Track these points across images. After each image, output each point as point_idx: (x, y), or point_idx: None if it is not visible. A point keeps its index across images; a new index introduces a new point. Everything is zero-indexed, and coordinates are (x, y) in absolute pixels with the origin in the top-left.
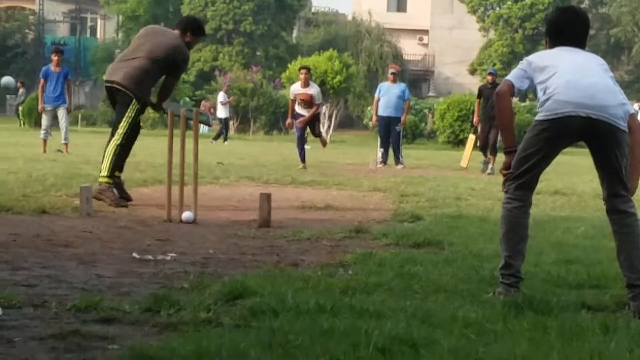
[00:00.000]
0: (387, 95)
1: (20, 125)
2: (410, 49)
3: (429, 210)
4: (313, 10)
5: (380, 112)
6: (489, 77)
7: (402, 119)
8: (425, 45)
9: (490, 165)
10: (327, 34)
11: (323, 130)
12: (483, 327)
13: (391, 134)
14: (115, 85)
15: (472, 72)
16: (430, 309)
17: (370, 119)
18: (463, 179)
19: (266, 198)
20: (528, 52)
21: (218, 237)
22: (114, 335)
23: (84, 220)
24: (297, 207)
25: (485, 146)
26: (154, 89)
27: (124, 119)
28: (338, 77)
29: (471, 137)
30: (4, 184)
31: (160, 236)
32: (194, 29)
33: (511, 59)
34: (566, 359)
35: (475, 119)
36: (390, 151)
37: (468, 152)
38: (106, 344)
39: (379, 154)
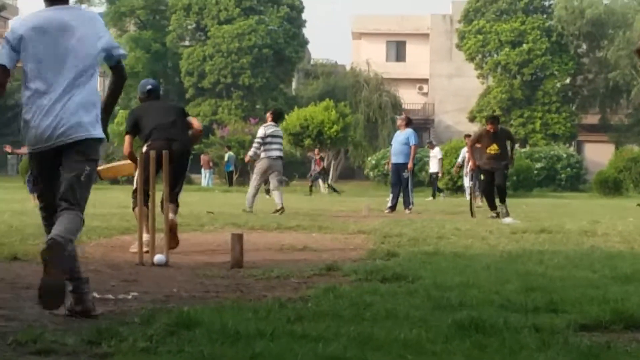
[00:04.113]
0: (395, 143)
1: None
2: (410, 98)
3: (407, 248)
4: (312, 62)
5: (392, 160)
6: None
7: (409, 164)
8: (425, 94)
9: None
10: (326, 85)
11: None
12: (422, 348)
13: (401, 180)
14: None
15: (472, 119)
16: (374, 332)
17: (372, 169)
18: (451, 220)
19: (237, 239)
20: (527, 98)
21: (186, 277)
22: None
23: None
24: (275, 250)
25: (490, 195)
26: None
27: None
28: (335, 127)
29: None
30: None
31: (128, 277)
32: None
33: (510, 105)
34: None
35: (472, 164)
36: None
37: (472, 203)
38: None
39: (389, 200)
